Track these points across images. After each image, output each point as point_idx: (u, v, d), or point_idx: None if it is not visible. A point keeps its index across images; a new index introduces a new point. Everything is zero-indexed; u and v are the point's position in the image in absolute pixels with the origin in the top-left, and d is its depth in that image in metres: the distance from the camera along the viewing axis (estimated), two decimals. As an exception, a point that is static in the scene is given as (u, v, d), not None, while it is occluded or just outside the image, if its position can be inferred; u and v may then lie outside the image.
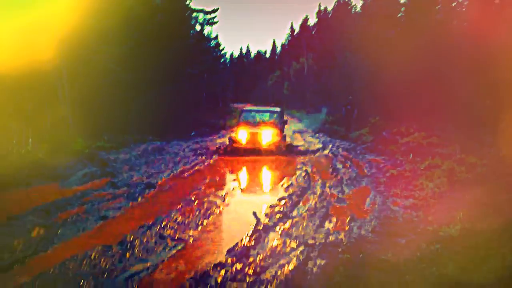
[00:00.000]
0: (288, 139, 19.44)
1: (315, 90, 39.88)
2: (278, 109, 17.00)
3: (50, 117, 14.63)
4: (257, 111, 16.76)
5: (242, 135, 14.55)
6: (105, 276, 4.53)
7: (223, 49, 41.11)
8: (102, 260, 4.97)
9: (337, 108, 26.98)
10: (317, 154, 15.20)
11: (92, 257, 5.05)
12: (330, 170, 11.55)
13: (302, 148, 16.51)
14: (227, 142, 15.29)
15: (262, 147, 14.24)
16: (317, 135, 22.78)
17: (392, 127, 17.12)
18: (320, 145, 17.56)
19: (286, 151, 14.83)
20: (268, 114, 16.05)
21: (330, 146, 17.43)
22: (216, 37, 38.77)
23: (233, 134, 15.32)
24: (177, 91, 26.71)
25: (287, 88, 50.61)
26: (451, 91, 16.23)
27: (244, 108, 17.40)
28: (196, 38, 28.20)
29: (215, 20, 30.28)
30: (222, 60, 43.80)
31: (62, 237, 5.84)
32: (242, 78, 77.73)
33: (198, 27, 29.86)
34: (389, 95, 18.95)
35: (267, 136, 14.38)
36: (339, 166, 12.24)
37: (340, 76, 30.43)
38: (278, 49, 75.81)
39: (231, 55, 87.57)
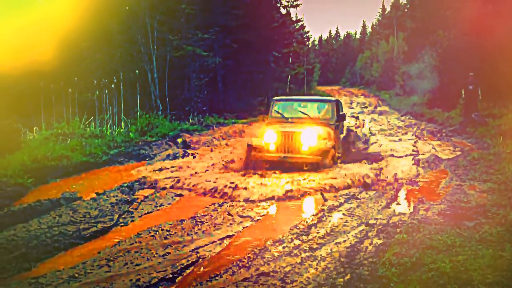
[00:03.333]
0: (370, 124, 19.04)
1: (406, 71, 38.26)
2: (331, 98, 11.68)
3: (140, 100, 15.66)
4: (298, 101, 10.92)
5: (269, 137, 9.13)
6: (173, 247, 4.91)
7: (308, 32, 40.86)
8: (173, 232, 5.39)
9: (426, 89, 25.69)
10: (399, 136, 14.75)
11: (165, 229, 5.50)
12: (408, 152, 11.22)
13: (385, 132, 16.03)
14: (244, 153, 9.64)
15: (302, 157, 8.88)
16: (403, 117, 22.06)
17: (483, 109, 16.04)
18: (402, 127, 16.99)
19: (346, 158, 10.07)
20: (315, 105, 10.44)
21: (415, 129, 16.84)
22: (300, 19, 38.59)
23: (253, 139, 9.76)
24: (263, 74, 27.20)
25: (376, 69, 49.00)
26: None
27: (276, 98, 11.20)
28: (281, 20, 28.26)
29: (299, 2, 30.09)
30: (307, 42, 43.47)
31: (140, 212, 6.38)
32: (330, 61, 76.65)
33: (282, 10, 29.84)
34: (484, 76, 17.67)
35: (310, 138, 8.91)
36: (419, 147, 11.85)
37: (433, 56, 28.90)
38: (368, 29, 73.59)
39: (320, 37, 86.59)
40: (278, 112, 10.26)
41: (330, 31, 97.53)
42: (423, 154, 10.98)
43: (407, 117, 21.92)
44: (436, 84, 24.01)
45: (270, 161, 9.05)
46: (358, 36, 79.81)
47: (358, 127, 18.01)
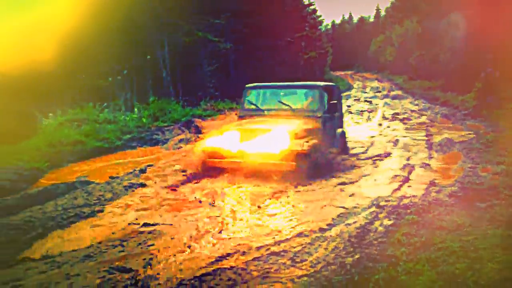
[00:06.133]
0: (383, 108, 18.93)
1: (420, 54, 37.76)
2: (319, 84, 8.51)
3: (152, 86, 15.76)
4: (276, 88, 8.78)
5: (229, 138, 7.31)
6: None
7: (320, 16, 40.45)
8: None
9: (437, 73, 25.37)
10: (412, 121, 14.66)
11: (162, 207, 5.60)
12: (422, 134, 11.18)
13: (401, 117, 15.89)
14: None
15: (270, 163, 6.88)
16: (417, 101, 21.88)
17: (499, 92, 15.81)
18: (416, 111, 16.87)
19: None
20: (297, 94, 8.58)
21: (429, 112, 16.71)
22: (312, 3, 38.18)
23: (208, 140, 7.66)
24: (275, 59, 27.10)
25: (390, 53, 48.45)
26: None
27: (249, 85, 8.85)
28: (293, 5, 28.06)
29: (311, -15, 29.76)
30: (320, 27, 43.08)
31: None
32: (343, 45, 75.94)
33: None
34: (503, 58, 17.35)
35: (281, 137, 6.96)
36: (432, 131, 11.78)
37: (448, 39, 28.48)
38: (382, 13, 72.62)
39: (333, 22, 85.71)
40: (252, 103, 8.40)
41: (343, 15, 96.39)
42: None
43: (421, 101, 21.74)
44: (451, 68, 23.71)
45: (230, 168, 7.18)
46: (371, 20, 78.89)
47: (371, 111, 17.96)
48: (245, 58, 24.40)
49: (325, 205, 5.73)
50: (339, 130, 8.82)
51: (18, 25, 11.00)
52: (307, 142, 6.98)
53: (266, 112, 8.20)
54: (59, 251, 4.32)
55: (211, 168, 7.33)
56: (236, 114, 9.26)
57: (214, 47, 19.83)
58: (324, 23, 67.43)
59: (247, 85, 8.89)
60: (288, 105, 8.15)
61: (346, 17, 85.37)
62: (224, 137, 7.38)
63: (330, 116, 8.24)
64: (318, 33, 39.84)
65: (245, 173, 7.03)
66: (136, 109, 13.87)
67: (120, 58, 15.46)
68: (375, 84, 36.74)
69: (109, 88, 14.20)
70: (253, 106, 8.42)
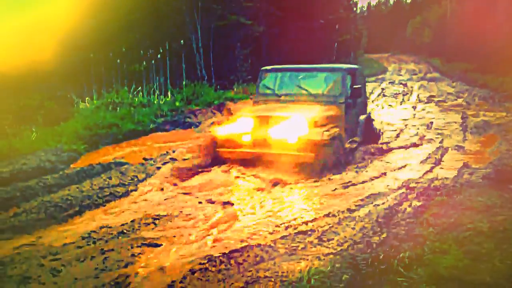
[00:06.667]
0: (419, 91, 18.53)
1: (458, 36, 36.56)
2: (342, 66, 7.79)
3: (186, 70, 15.94)
4: (295, 71, 7.91)
5: (242, 126, 6.78)
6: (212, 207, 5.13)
7: (356, -3, 39.61)
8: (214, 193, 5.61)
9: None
10: (448, 103, 14.32)
11: (207, 191, 5.72)
12: (458, 117, 10.94)
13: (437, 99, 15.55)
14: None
15: (287, 153, 6.36)
16: (454, 83, 21.28)
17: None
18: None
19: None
20: (317, 77, 7.67)
21: (466, 95, 16.26)
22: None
23: (219, 128, 7.02)
24: (309, 42, 26.81)
25: (427, 35, 47.09)
26: None
27: (265, 68, 8.13)
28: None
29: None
30: (354, 8, 42.25)
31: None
32: (379, 28, 74.24)
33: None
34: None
35: (299, 125, 6.40)
36: (469, 113, 11.49)
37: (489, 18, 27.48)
38: (420, -7, 70.39)
39: (368, 4, 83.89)
40: (268, 88, 7.77)
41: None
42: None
43: (458, 83, 21.14)
44: (491, 49, 22.90)
45: (243, 159, 6.64)
46: (409, 1, 76.73)
47: (406, 94, 17.62)
48: (278, 42, 24.22)
49: (354, 187, 5.74)
50: (362, 116, 8.10)
51: (57, 14, 11.30)
52: (327, 131, 6.34)
53: (283, 97, 7.54)
54: (94, 227, 4.51)
55: (224, 159, 6.80)
56: (251, 98, 8.33)
57: (247, 30, 19.80)
58: (360, 5, 66.15)
59: (263, 68, 8.16)
60: (307, 90, 7.44)
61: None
62: (237, 124, 6.76)
63: (353, 102, 7.56)
64: (352, 15, 39.06)
65: (261, 164, 6.49)
66: (169, 93, 14.09)
67: (155, 42, 15.67)
68: (411, 66, 35.84)
69: (144, 73, 14.46)
70: (269, 91, 7.75)
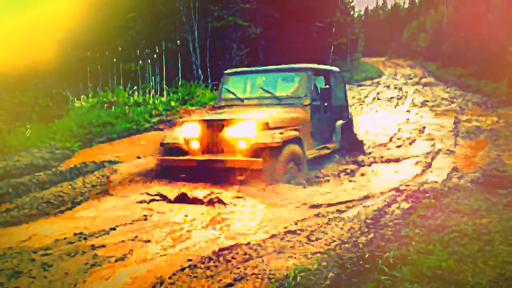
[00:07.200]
0: (414, 95, 18.64)
1: (454, 41, 36.80)
2: (308, 66, 7.06)
3: (182, 70, 15.99)
4: (258, 73, 7.43)
5: (189, 131, 6.24)
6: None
7: (352, 1, 39.79)
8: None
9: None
10: (442, 108, 14.44)
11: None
12: (451, 122, 11.05)
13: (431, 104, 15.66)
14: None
15: (232, 160, 5.73)
16: (449, 89, 21.44)
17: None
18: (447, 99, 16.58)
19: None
20: (281, 79, 7.12)
21: (460, 100, 16.40)
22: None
23: (168, 134, 6.60)
24: (305, 44, 26.93)
25: (423, 40, 47.34)
26: None
27: (228, 71, 7.70)
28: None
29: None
30: (351, 12, 42.41)
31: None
32: (376, 32, 74.56)
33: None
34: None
35: (246, 128, 5.85)
36: (461, 118, 11.60)
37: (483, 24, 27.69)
38: (417, -1, 70.81)
39: (366, 8, 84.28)
40: (231, 92, 7.19)
41: (377, 1, 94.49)
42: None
43: (453, 88, 21.31)
44: (486, 55, 23.07)
45: (188, 167, 5.97)
46: (406, 6, 77.14)
47: (400, 98, 17.74)
48: (275, 43, 24.34)
49: (345, 189, 5.81)
50: (339, 122, 7.56)
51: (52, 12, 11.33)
52: (281, 133, 5.75)
53: (246, 102, 6.98)
54: (86, 224, 4.56)
55: (169, 168, 6.15)
56: (214, 107, 7.63)
57: (244, 31, 19.89)
58: (357, 9, 66.31)
59: (225, 71, 7.72)
60: (271, 93, 6.84)
61: (380, 3, 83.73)
62: (183, 130, 6.23)
63: (325, 105, 7.07)
64: (349, 19, 39.20)
65: (205, 173, 5.84)
66: (165, 93, 14.15)
67: (151, 42, 15.74)
68: (407, 71, 36.05)
69: (140, 72, 14.52)
70: (231, 95, 7.16)
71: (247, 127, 5.80)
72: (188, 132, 6.18)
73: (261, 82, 7.17)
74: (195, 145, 6.16)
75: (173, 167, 6.08)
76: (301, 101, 6.63)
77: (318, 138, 6.87)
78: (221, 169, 5.72)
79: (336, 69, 8.23)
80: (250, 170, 5.58)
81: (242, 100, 7.04)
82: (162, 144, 6.34)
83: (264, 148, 5.60)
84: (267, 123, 5.84)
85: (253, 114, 6.13)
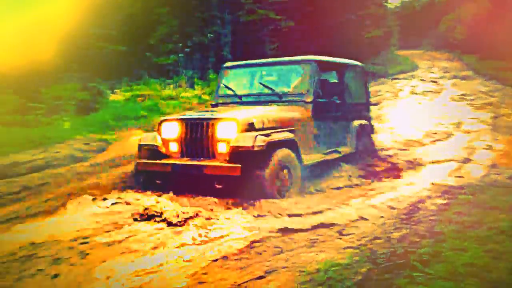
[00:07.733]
0: (451, 89, 18.19)
1: (494, 33, 35.62)
2: (311, 58, 6.15)
3: (213, 64, 16.10)
4: (259, 66, 6.58)
5: (168, 131, 5.44)
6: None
7: (387, -7, 38.91)
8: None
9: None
10: (480, 102, 14.03)
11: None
12: (489, 116, 10.75)
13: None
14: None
15: (210, 165, 4.94)
16: (487, 82, 20.78)
17: None
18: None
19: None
20: (282, 73, 6.30)
21: (500, 94, 15.90)
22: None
23: (145, 135, 5.85)
24: (337, 38, 26.62)
25: (460, 32, 46.01)
26: None
27: (226, 65, 6.91)
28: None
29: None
30: (385, 4, 41.61)
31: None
32: (412, 24, 72.95)
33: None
34: None
35: (227, 128, 5.06)
36: (501, 113, 11.26)
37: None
38: (454, -11, 68.86)
39: (402, 0, 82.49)
40: (229, 88, 6.42)
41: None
42: None
43: (492, 82, 20.61)
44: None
45: (163, 172, 5.22)
46: (443, -3, 75.16)
47: (437, 92, 17.32)
48: (307, 37, 24.13)
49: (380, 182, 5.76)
50: (356, 122, 6.73)
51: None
52: (266, 135, 4.86)
53: (244, 99, 6.23)
54: (122, 213, 4.67)
55: (146, 173, 5.40)
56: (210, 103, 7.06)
57: (276, 25, 19.80)
58: (392, 1, 64.91)
59: (224, 64, 6.96)
60: (271, 89, 6.02)
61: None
62: (162, 130, 5.45)
63: (331, 102, 6.15)
64: (383, 11, 38.48)
65: (182, 180, 5.20)
66: (197, 86, 14.29)
67: (183, 36, 15.89)
68: (444, 64, 35.10)
69: (172, 66, 14.71)
70: (229, 91, 6.39)
71: (227, 128, 5.02)
72: (167, 132, 5.39)
73: (261, 76, 6.42)
74: (174, 147, 5.36)
75: (149, 171, 5.32)
76: (303, 98, 5.80)
77: (325, 141, 6.05)
78: (198, 175, 4.97)
79: (355, 62, 7.32)
80: (228, 178, 4.80)
81: (240, 97, 6.26)
82: (139, 146, 5.53)
83: (243, 153, 4.72)
84: (251, 123, 4.98)
85: (239, 113, 5.30)
